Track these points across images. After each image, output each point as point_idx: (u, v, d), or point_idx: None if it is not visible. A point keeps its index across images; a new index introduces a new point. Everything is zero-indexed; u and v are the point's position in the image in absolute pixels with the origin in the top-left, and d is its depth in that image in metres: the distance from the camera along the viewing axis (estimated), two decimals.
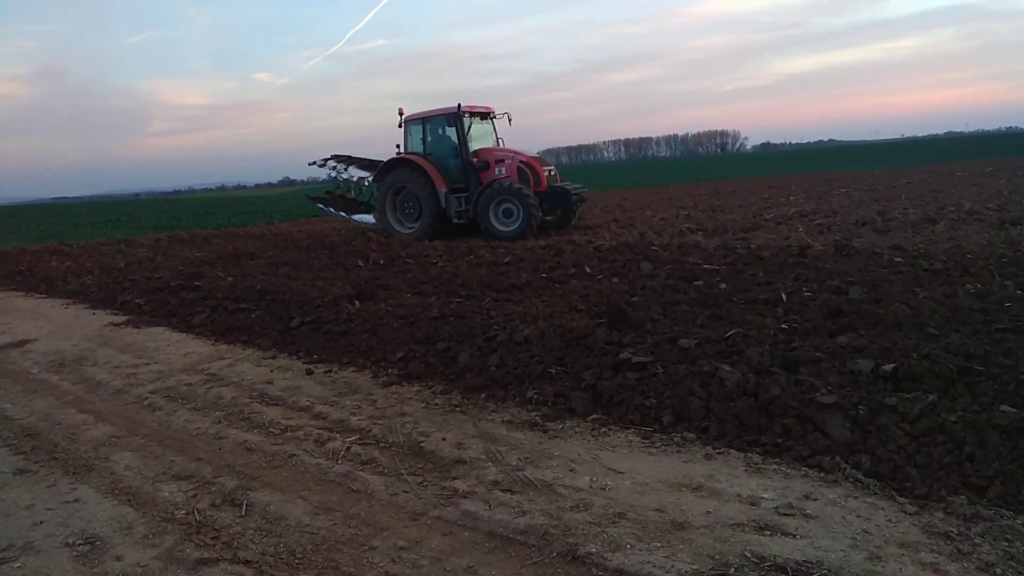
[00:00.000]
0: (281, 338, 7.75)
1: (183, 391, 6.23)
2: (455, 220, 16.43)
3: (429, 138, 17.09)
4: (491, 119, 17.59)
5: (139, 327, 9.13)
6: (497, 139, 17.56)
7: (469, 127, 16.74)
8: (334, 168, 19.48)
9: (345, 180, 19.85)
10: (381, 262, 12.20)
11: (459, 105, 16.34)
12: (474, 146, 16.84)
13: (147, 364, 7.23)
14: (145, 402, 6.00)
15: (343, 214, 20.05)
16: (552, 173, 16.52)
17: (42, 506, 4.09)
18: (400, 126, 17.44)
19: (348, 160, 19.18)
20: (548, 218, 16.68)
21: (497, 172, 16.16)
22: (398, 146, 17.54)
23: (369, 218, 18.91)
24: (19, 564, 3.46)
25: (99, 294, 11.63)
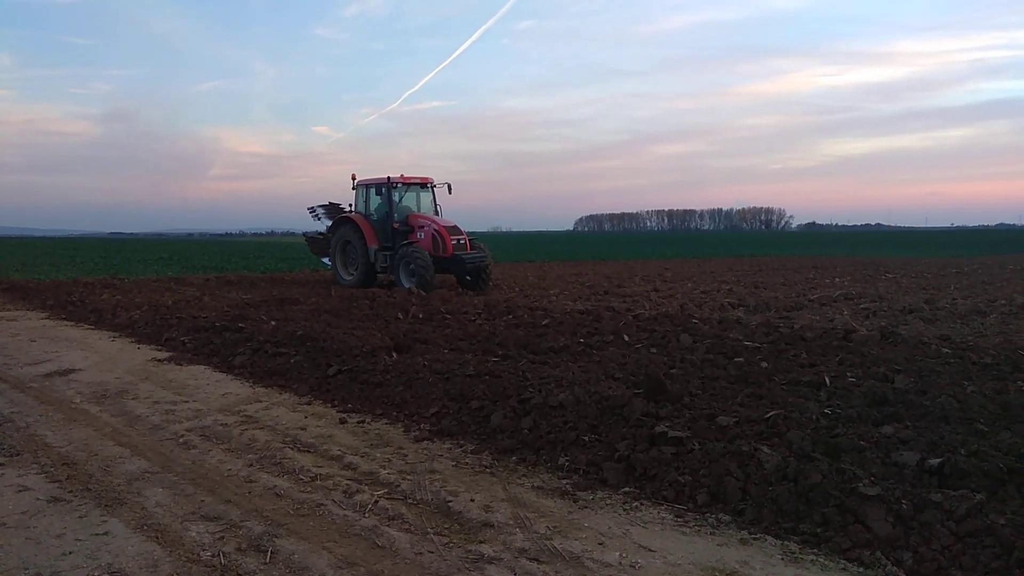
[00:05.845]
0: (318, 385, 7.82)
1: (218, 431, 6.29)
2: (379, 274, 18.97)
3: (371, 202, 19.69)
4: (431, 188, 19.97)
5: (181, 364, 9.30)
6: (436, 206, 19.92)
7: (402, 196, 19.61)
8: (317, 215, 21.78)
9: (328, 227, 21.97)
10: (420, 316, 12.31)
11: (388, 177, 19.07)
12: (418, 210, 19.54)
13: (186, 402, 7.34)
14: (181, 439, 6.07)
15: (317, 255, 22.84)
16: (460, 242, 18.60)
17: (72, 536, 4.13)
18: (353, 188, 20.11)
19: (335, 210, 21.09)
20: (468, 278, 18.86)
21: (419, 236, 18.43)
22: (350, 205, 20.22)
23: (328, 261, 21.38)
24: None
25: (145, 329, 11.92)
